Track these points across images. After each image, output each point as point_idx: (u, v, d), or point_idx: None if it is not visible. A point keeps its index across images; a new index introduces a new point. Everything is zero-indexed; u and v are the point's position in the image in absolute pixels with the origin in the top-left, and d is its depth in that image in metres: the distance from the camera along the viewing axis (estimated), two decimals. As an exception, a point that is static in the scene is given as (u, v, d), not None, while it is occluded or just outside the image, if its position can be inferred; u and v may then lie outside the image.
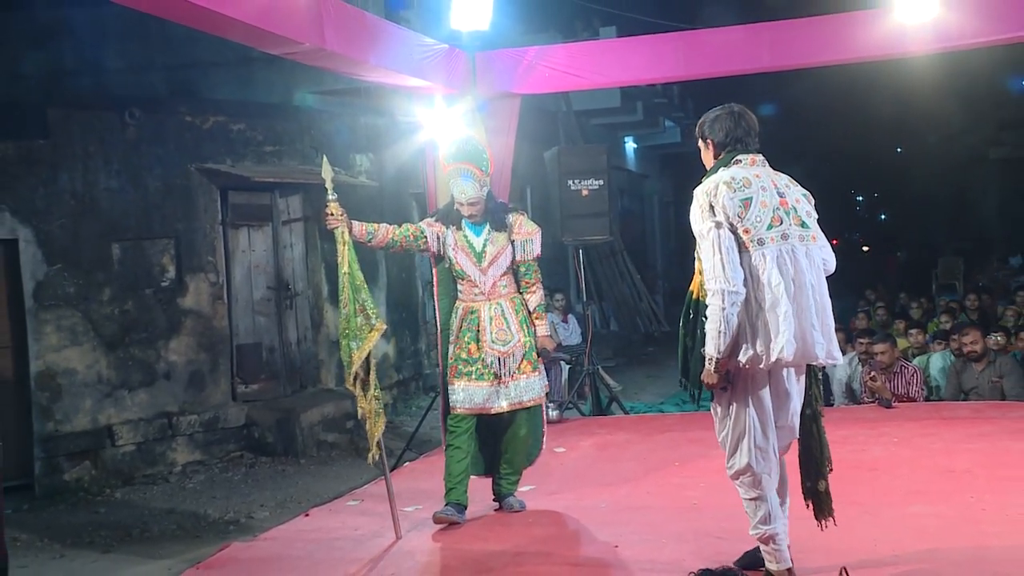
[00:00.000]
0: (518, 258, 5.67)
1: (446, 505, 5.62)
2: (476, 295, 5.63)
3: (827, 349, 4.04)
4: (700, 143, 4.33)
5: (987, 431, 7.29)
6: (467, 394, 5.58)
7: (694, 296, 4.13)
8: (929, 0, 7.45)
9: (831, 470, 4.30)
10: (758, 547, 4.21)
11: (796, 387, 4.16)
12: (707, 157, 4.29)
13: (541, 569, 4.89)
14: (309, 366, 10.89)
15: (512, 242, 5.66)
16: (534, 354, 5.66)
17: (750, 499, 4.14)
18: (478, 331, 5.58)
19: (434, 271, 5.93)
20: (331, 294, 10.71)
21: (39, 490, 8.71)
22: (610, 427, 8.67)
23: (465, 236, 5.64)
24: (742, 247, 3.99)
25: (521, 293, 5.72)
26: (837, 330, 4.25)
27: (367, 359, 5.35)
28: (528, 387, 5.63)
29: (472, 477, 5.78)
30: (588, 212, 9.67)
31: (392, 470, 6.84)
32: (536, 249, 5.72)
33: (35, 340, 8.90)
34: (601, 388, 9.88)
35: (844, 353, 8.23)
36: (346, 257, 5.35)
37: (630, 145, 24.24)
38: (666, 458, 7.11)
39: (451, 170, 5.63)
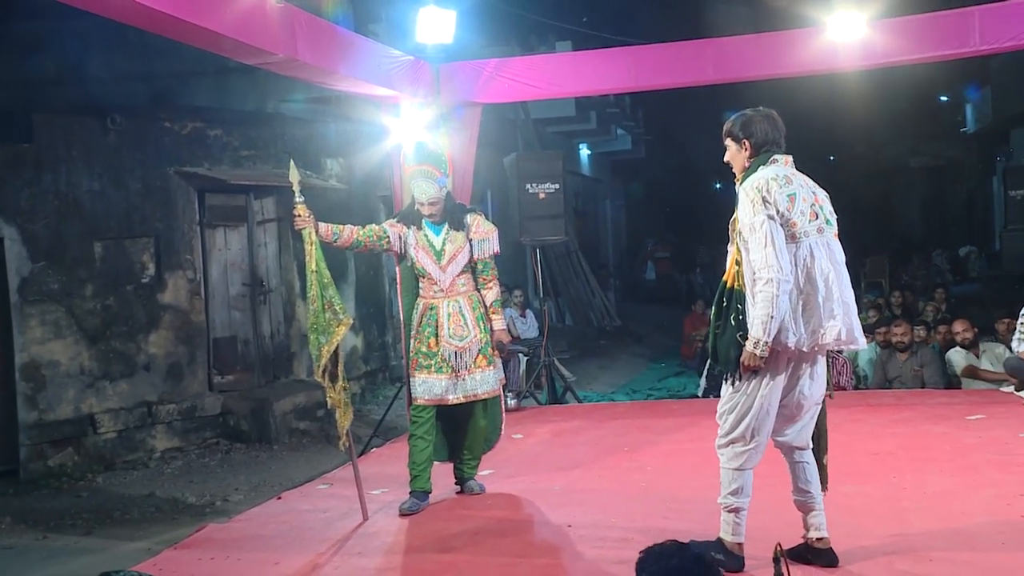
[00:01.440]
0: (476, 256, 5.64)
1: (410, 494, 5.60)
2: (436, 292, 5.60)
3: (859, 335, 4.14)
4: (732, 143, 4.24)
5: (908, 417, 7.40)
6: (427, 386, 5.56)
7: (728, 285, 4.10)
8: (858, 21, 7.58)
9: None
10: (804, 542, 4.23)
11: (819, 372, 4.18)
12: (740, 157, 4.22)
13: (499, 547, 4.89)
14: (282, 358, 10.81)
15: (470, 241, 5.63)
16: (489, 349, 5.63)
17: (731, 469, 4.14)
18: (437, 327, 5.55)
19: (398, 269, 5.89)
20: (303, 290, 10.57)
21: (24, 475, 8.58)
22: (564, 415, 8.69)
23: (425, 235, 5.61)
24: (789, 239, 4.00)
25: (479, 289, 5.71)
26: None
27: (335, 352, 5.32)
28: (483, 380, 5.60)
29: (436, 463, 5.77)
30: (545, 214, 9.69)
31: (360, 456, 6.82)
32: (493, 247, 5.70)
33: (20, 333, 8.76)
34: (556, 379, 9.91)
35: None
36: (313, 256, 5.31)
37: (584, 151, 24.34)
38: (616, 444, 7.13)
39: (412, 171, 5.61)
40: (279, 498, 6.33)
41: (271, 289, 10.73)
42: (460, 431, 5.79)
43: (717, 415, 4.22)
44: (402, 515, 5.49)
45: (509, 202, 10.18)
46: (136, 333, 9.44)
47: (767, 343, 3.92)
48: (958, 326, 9.01)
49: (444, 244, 5.59)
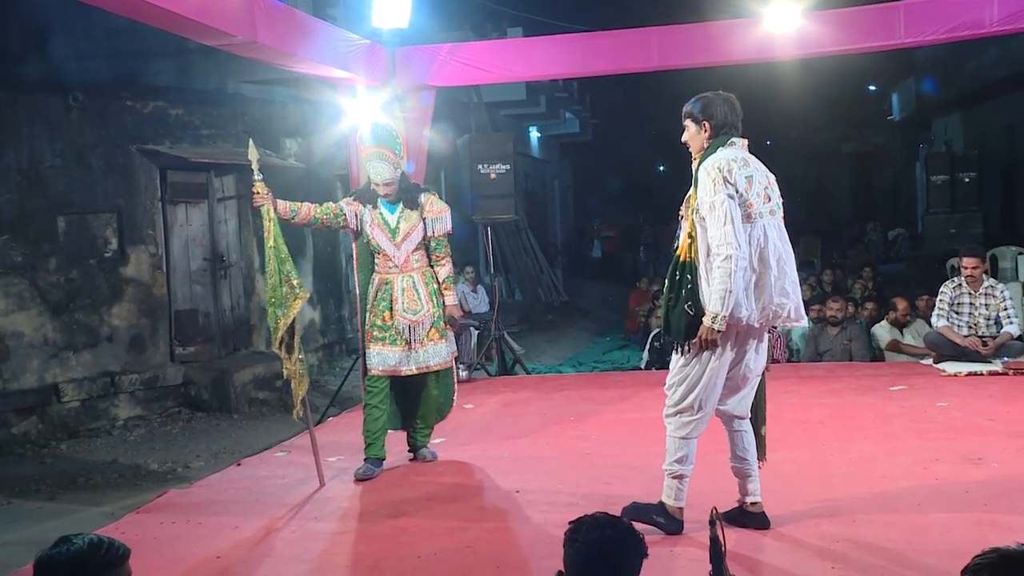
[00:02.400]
0: (429, 234, 5.61)
1: (365, 461, 5.57)
2: (391, 268, 5.56)
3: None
4: (691, 124, 4.18)
5: (837, 388, 7.51)
6: (381, 357, 5.53)
7: (682, 259, 4.08)
8: (793, 12, 7.64)
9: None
10: (739, 506, 4.28)
11: (763, 347, 4.21)
12: (699, 138, 4.16)
13: (450, 512, 4.90)
14: (241, 330, 10.69)
15: (424, 219, 5.59)
16: (442, 323, 5.62)
17: (678, 437, 4.15)
18: (391, 301, 5.52)
19: (354, 246, 5.84)
20: (262, 265, 10.43)
21: (-12, 443, 8.42)
22: (514, 386, 8.70)
23: (381, 214, 5.56)
24: (744, 219, 3.98)
25: (432, 266, 5.68)
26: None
27: (292, 324, 5.28)
28: (435, 353, 5.59)
29: (390, 431, 5.75)
30: (496, 193, 9.67)
31: (316, 424, 6.78)
32: (446, 226, 5.66)
33: (-16, 305, 8.57)
34: (506, 351, 9.91)
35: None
36: (271, 232, 5.26)
37: (534, 134, 24.27)
38: (563, 414, 7.15)
39: (368, 153, 5.55)
40: (238, 465, 6.28)
41: (231, 264, 10.60)
42: (413, 401, 5.78)
43: (666, 386, 4.22)
44: (357, 481, 5.47)
45: (462, 182, 10.14)
46: (99, 305, 9.28)
47: (724, 317, 3.92)
48: (899, 304, 9.11)
49: (399, 222, 5.55)
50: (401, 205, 5.58)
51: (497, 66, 8.56)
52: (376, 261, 5.62)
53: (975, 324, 8.03)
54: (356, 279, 5.84)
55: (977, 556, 2.11)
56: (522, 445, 6.23)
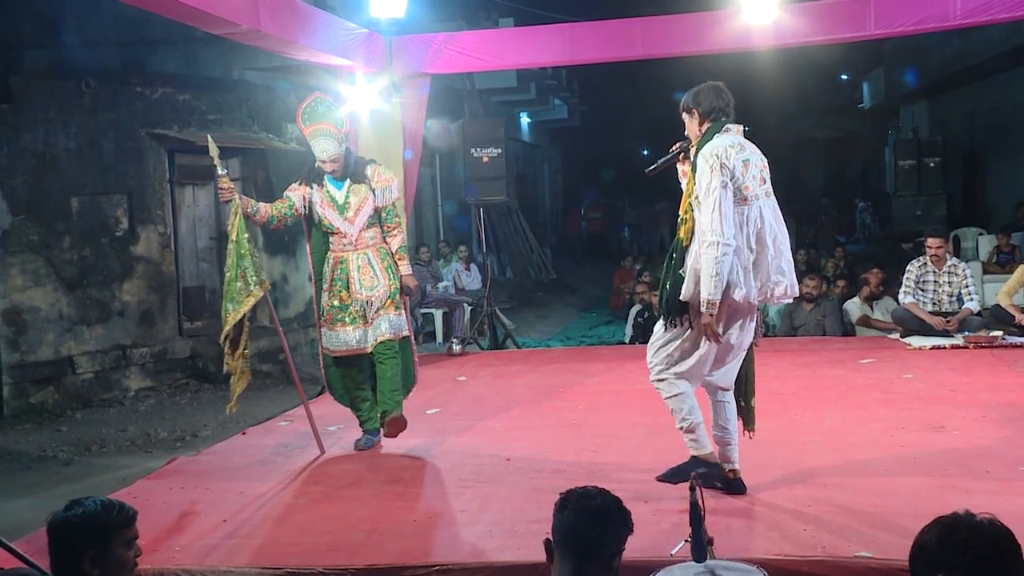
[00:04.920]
0: (379, 204, 5.33)
1: (364, 433, 5.50)
2: (345, 245, 5.30)
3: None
4: (685, 115, 4.17)
5: (810, 361, 7.52)
6: (341, 339, 5.31)
7: (684, 243, 4.07)
8: (770, 4, 7.60)
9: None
10: (686, 463, 4.26)
11: (751, 324, 4.17)
12: (692, 125, 4.14)
13: (444, 477, 4.89)
14: (247, 306, 10.63)
15: (373, 191, 5.32)
16: (398, 296, 5.35)
17: (672, 396, 4.14)
18: (348, 280, 5.29)
19: (306, 229, 5.48)
20: (265, 244, 10.45)
21: (7, 411, 8.38)
22: (505, 359, 8.70)
23: (328, 192, 5.28)
24: (741, 201, 3.94)
25: (384, 236, 5.40)
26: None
27: (241, 321, 5.03)
28: (388, 323, 5.28)
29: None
30: (488, 176, 9.63)
31: (318, 396, 6.77)
32: (394, 193, 5.40)
33: (2, 281, 8.50)
34: (498, 326, 9.91)
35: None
36: (236, 227, 5.00)
37: (525, 120, 24.19)
38: (551, 385, 7.13)
39: (310, 131, 5.22)
40: (244, 434, 6.26)
41: (237, 243, 10.54)
42: (373, 376, 5.47)
43: (647, 355, 4.22)
44: (357, 450, 5.44)
45: (456, 165, 10.11)
46: (111, 282, 9.24)
47: (715, 301, 3.89)
48: (872, 279, 9.10)
49: (347, 197, 5.28)
50: (348, 180, 5.29)
51: (489, 54, 8.49)
52: (330, 240, 5.34)
53: (939, 301, 8.04)
54: (310, 261, 5.52)
55: (924, 528, 2.12)
56: (513, 415, 6.22)
